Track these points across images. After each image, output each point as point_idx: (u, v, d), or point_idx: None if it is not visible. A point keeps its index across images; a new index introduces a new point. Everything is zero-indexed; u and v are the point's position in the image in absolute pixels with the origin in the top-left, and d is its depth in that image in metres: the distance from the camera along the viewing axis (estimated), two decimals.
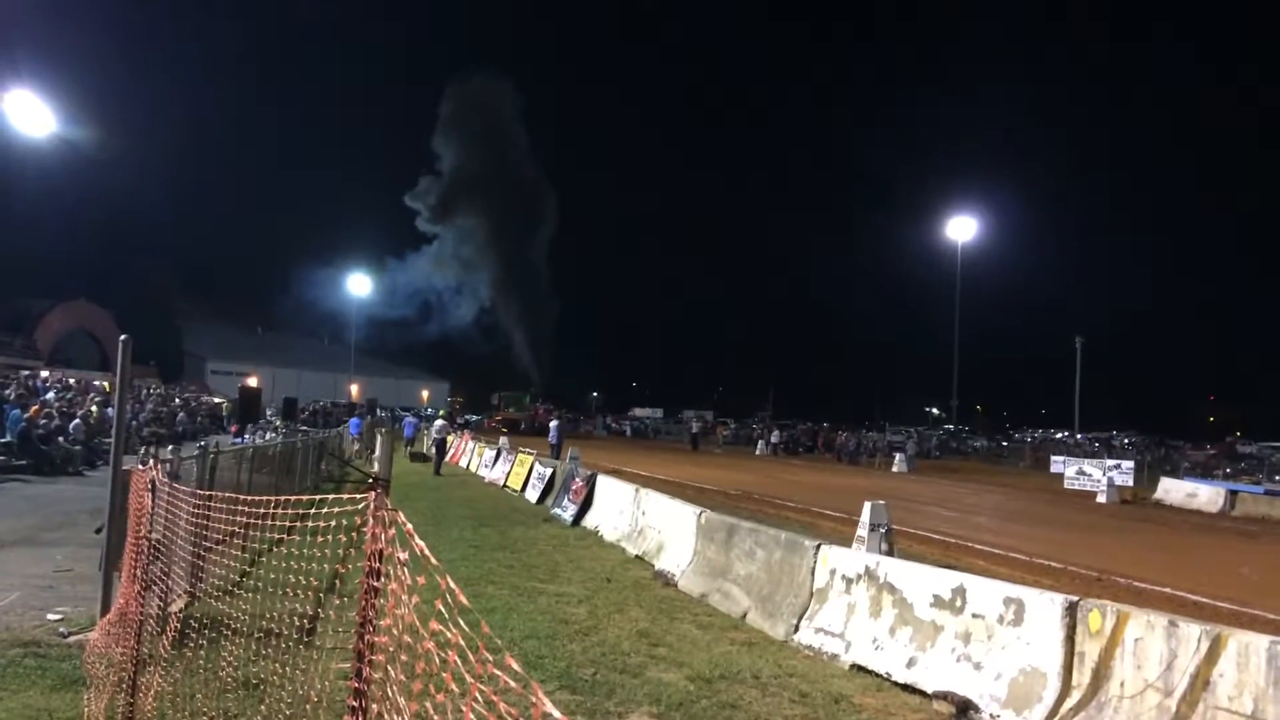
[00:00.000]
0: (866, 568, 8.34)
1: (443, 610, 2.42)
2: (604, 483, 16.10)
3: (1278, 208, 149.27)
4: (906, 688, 7.14)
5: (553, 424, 37.18)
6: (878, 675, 7.47)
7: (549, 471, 19.96)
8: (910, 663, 7.29)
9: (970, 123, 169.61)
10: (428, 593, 2.64)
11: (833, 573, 8.68)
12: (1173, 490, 32.64)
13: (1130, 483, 34.96)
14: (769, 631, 8.88)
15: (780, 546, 9.64)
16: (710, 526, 11.25)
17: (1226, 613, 11.31)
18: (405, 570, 2.71)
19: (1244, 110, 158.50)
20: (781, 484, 29.49)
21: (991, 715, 6.34)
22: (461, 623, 2.39)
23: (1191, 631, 5.50)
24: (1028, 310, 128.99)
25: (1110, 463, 38.07)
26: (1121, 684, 5.75)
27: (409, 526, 2.74)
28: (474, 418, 79.09)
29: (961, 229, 69.48)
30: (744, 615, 9.44)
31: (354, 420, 37.34)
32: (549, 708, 1.79)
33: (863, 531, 12.12)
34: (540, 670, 7.08)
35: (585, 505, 16.08)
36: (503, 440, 29.66)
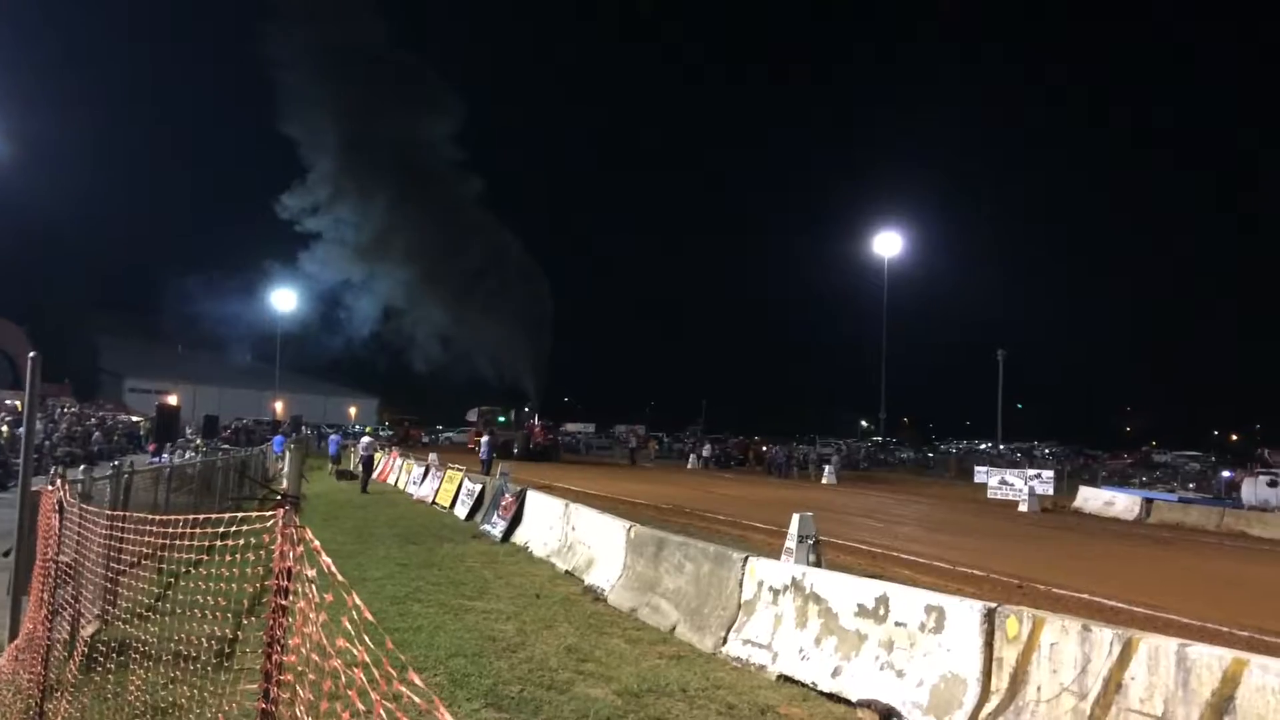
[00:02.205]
0: (793, 579, 8.41)
1: (349, 628, 2.38)
2: (534, 498, 16.01)
3: (1193, 226, 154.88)
4: (832, 696, 7.21)
5: (484, 440, 36.84)
6: (804, 685, 7.53)
7: (478, 488, 19.77)
8: (835, 672, 7.36)
9: (899, 141, 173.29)
10: (337, 611, 2.60)
11: (760, 585, 8.73)
12: (1091, 499, 33.54)
13: (1051, 492, 35.86)
14: (697, 644, 8.89)
15: (709, 560, 9.67)
16: (640, 541, 11.25)
17: (1140, 617, 11.64)
18: (313, 588, 2.66)
19: (1163, 128, 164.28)
20: (712, 497, 29.62)
21: None
22: (368, 640, 2.35)
23: (1104, 635, 5.65)
24: (954, 324, 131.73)
25: (1031, 472, 39.00)
26: (1038, 688, 5.88)
27: (316, 544, 2.69)
28: (387, 432, 77.27)
29: (888, 244, 70.76)
30: (673, 629, 9.44)
31: (278, 438, 36.61)
32: None
33: (791, 543, 12.20)
34: (466, 688, 7.00)
35: (515, 521, 15.96)
36: (432, 457, 29.29)
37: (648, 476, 41.93)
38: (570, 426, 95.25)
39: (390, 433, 76.71)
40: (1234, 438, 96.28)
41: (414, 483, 26.25)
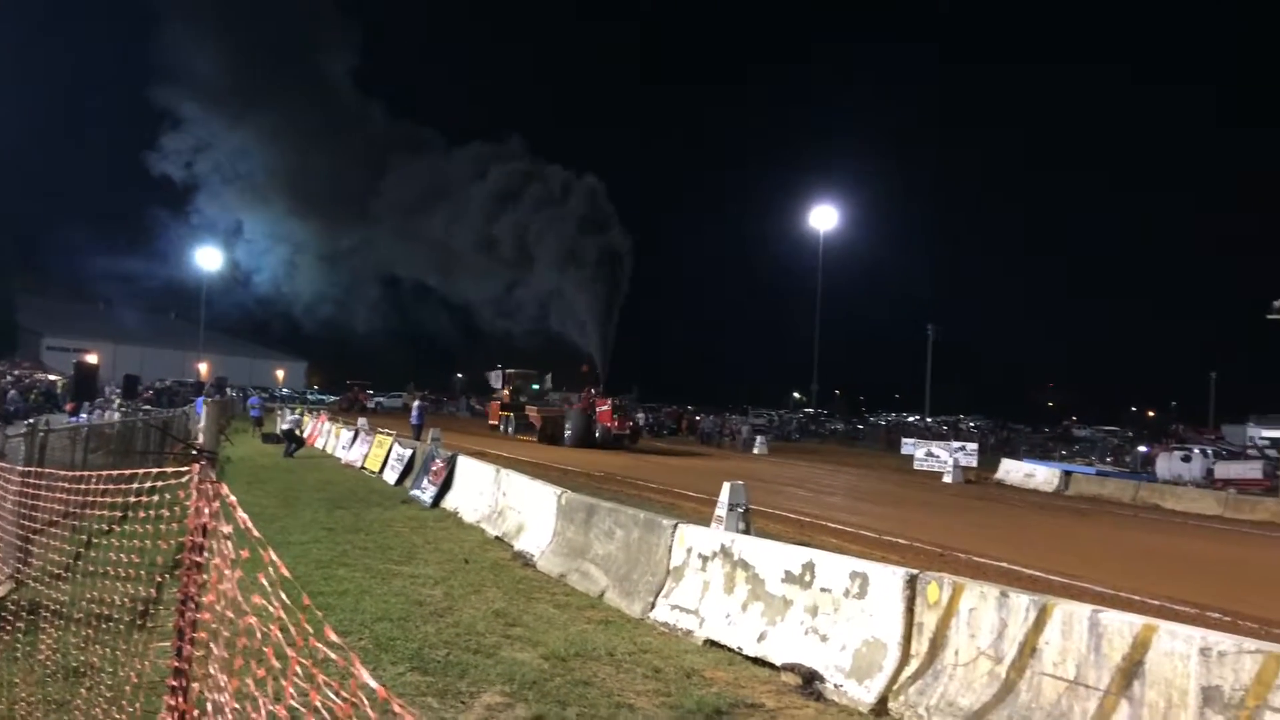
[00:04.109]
0: (722, 546, 8.47)
1: (265, 584, 2.31)
2: (465, 464, 15.89)
3: (1111, 206, 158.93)
4: (757, 661, 7.30)
5: (415, 404, 36.46)
6: (730, 650, 7.61)
7: (409, 453, 19.58)
8: (761, 637, 7.44)
9: (836, 115, 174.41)
10: (255, 569, 2.53)
11: (689, 551, 8.79)
12: (1012, 471, 34.43)
13: (974, 464, 36.75)
14: (626, 610, 8.93)
15: (639, 526, 9.71)
16: (570, 507, 11.24)
17: (1057, 585, 11.97)
18: (229, 544, 2.59)
19: (1093, 110, 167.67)
20: (645, 465, 29.74)
21: (835, 685, 6.53)
22: (284, 596, 2.29)
23: (1021, 601, 5.78)
24: (885, 299, 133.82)
25: (956, 445, 39.93)
26: (956, 652, 6.01)
27: (233, 499, 2.62)
28: (329, 398, 75.25)
29: (823, 218, 71.39)
30: (602, 594, 9.47)
31: (200, 400, 35.78)
32: (366, 678, 1.73)
33: (721, 511, 12.29)
34: (391, 652, 6.94)
35: (445, 487, 15.84)
36: (361, 421, 28.91)
37: (527, 435, 41.74)
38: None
39: (328, 397, 75.02)
40: (1151, 414, 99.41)
41: (343, 447, 25.91)
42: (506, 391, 46.30)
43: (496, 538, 12.67)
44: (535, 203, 50.62)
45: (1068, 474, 32.64)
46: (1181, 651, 4.85)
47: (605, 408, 38.09)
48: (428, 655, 6.95)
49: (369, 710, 1.86)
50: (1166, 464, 38.64)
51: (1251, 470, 36.82)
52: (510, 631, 7.88)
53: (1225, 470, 36.88)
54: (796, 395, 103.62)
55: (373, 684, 1.75)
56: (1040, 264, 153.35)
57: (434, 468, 16.58)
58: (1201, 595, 11.89)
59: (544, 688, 6.35)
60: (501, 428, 44.10)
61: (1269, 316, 30.33)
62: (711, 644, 7.81)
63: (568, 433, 37.86)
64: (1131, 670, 5.03)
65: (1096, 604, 5.75)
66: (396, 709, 1.71)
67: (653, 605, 8.74)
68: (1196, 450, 40.46)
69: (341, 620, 7.72)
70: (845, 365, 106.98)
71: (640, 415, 51.12)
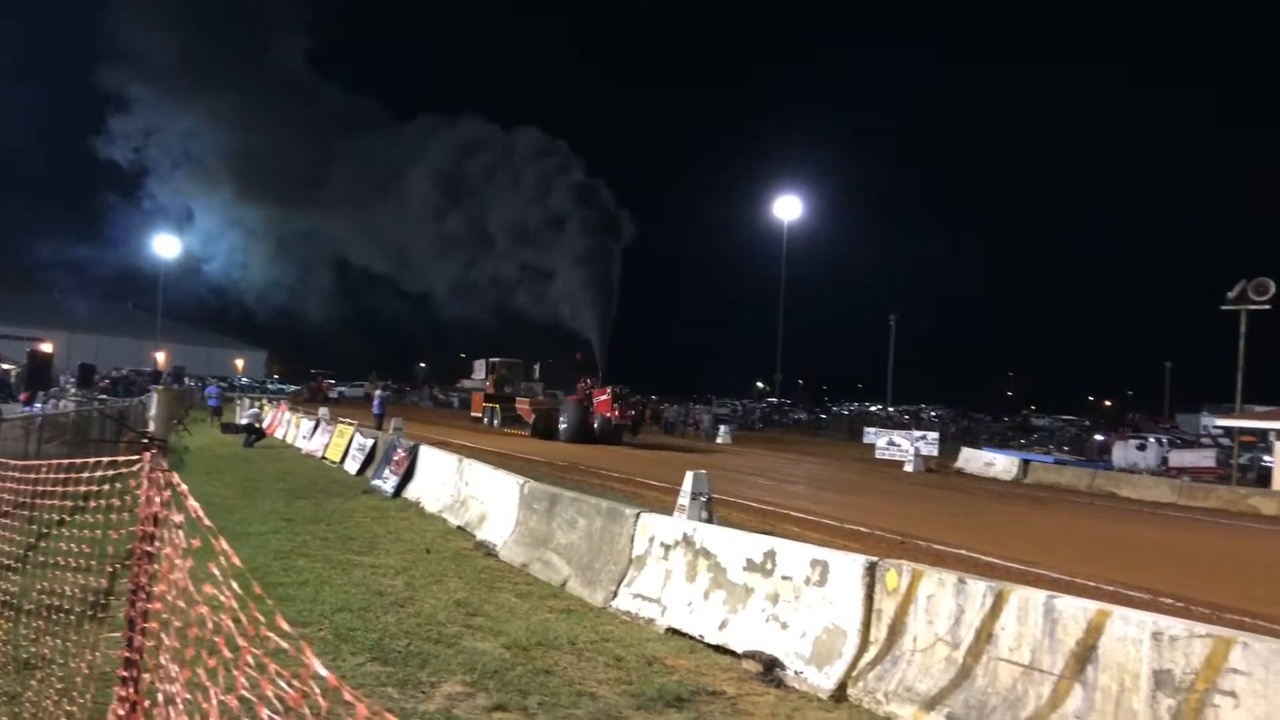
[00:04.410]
0: (684, 534, 8.49)
1: (217, 574, 2.28)
2: (427, 453, 15.80)
3: (1070, 199, 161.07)
4: (718, 649, 7.33)
5: (377, 394, 36.20)
6: (691, 638, 7.63)
7: (370, 442, 19.44)
8: (723, 624, 7.47)
9: (802, 107, 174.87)
10: (208, 558, 2.49)
11: (651, 540, 8.80)
12: (972, 459, 34.83)
13: (935, 453, 37.15)
14: (588, 599, 8.94)
15: (601, 515, 9.71)
16: (533, 496, 11.22)
17: (1015, 572, 12.11)
18: (180, 534, 2.55)
19: (1052, 106, 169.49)
20: (608, 455, 29.71)
21: (796, 672, 6.58)
22: (235, 586, 2.25)
23: (978, 588, 5.85)
24: (849, 289, 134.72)
25: (918, 434, 40.30)
26: (914, 638, 6.07)
27: (184, 488, 2.58)
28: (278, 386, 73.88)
29: (788, 208, 71.53)
30: (564, 583, 9.47)
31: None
32: (318, 667, 1.70)
33: (684, 500, 12.34)
34: (351, 642, 6.89)
35: (407, 476, 15.75)
36: (322, 410, 28.66)
37: (517, 429, 41.55)
38: (466, 383, 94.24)
39: (288, 387, 74.04)
40: (1108, 403, 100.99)
41: (303, 437, 25.67)
42: (491, 382, 43.95)
43: (459, 527, 12.62)
44: (508, 172, 47.57)
45: (1026, 462, 33.07)
46: (1134, 636, 4.93)
47: (604, 397, 35.08)
48: (388, 645, 6.91)
49: (320, 699, 1.84)
50: (1122, 452, 39.27)
51: (1205, 459, 37.52)
52: (472, 621, 7.86)
53: (1179, 458, 37.55)
54: (760, 385, 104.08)
55: (324, 673, 1.73)
56: (1000, 256, 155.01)
57: (396, 457, 16.47)
58: (1155, 581, 12.09)
59: (505, 677, 6.34)
60: (486, 420, 42.35)
61: (1223, 307, 30.83)
62: (673, 632, 7.84)
63: (562, 426, 35.32)
64: (1085, 655, 5.11)
65: (1052, 590, 5.83)
66: (348, 697, 1.70)
67: (615, 594, 8.74)
68: (1151, 439, 41.14)
69: (301, 611, 7.66)
70: (809, 355, 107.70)
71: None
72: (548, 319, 45.38)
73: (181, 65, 57.24)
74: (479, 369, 46.21)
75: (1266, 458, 32.54)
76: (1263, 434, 32.90)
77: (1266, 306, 30.07)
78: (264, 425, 29.19)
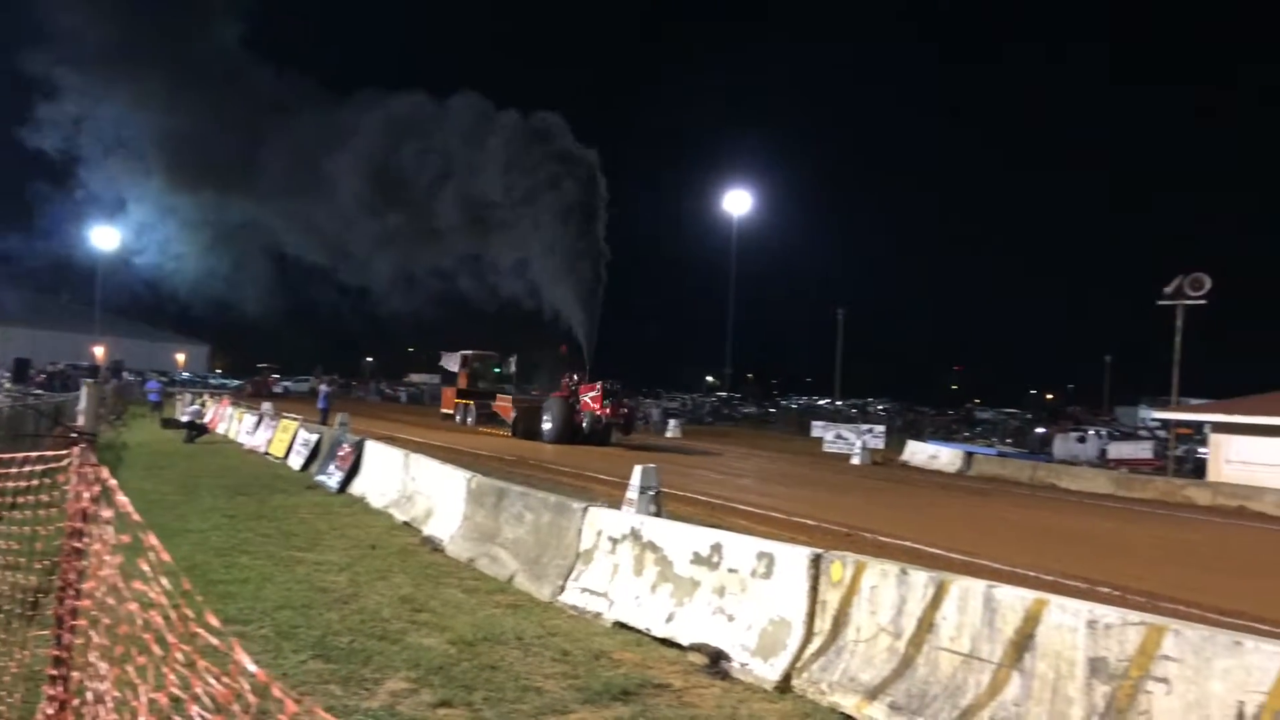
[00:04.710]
0: (632, 528, 8.49)
1: (147, 570, 2.23)
2: (373, 448, 15.64)
3: (1016, 194, 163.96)
4: (665, 642, 7.34)
5: (322, 388, 35.70)
6: (639, 631, 7.64)
7: (315, 438, 19.18)
8: (669, 618, 7.49)
9: (743, 100, 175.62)
10: (136, 553, 2.43)
11: (599, 534, 8.79)
12: (918, 452, 35.30)
13: (882, 446, 37.60)
14: (535, 593, 8.91)
15: (549, 509, 9.68)
16: (480, 491, 11.15)
17: (958, 562, 12.31)
18: (110, 529, 2.49)
19: (1000, 98, 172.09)
20: (557, 449, 29.65)
21: (742, 664, 6.61)
22: (165, 582, 2.21)
23: (920, 578, 5.92)
24: (798, 284, 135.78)
25: (864, 428, 40.78)
26: (858, 629, 6.13)
27: (113, 482, 2.51)
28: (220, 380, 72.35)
29: (737, 203, 71.79)
30: (511, 578, 9.42)
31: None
32: (247, 663, 1.67)
33: (632, 494, 12.33)
34: (293, 640, 6.79)
35: (352, 472, 15.57)
36: (265, 405, 28.21)
37: (493, 428, 41.32)
38: (414, 377, 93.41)
39: (231, 382, 72.69)
40: (1049, 397, 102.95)
41: (246, 432, 25.27)
42: (464, 376, 41.11)
43: (405, 523, 12.51)
44: (463, 150, 43.21)
45: (970, 455, 33.61)
46: (1070, 624, 5.02)
47: (593, 393, 32.45)
48: (331, 642, 6.83)
49: (250, 696, 1.81)
50: (1063, 445, 40.08)
51: (1142, 450, 38.43)
52: (417, 617, 7.79)
53: (1118, 450, 38.42)
54: (709, 379, 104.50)
55: (253, 669, 1.69)
56: (948, 252, 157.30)
57: (341, 453, 16.28)
58: (1093, 571, 12.36)
59: (450, 672, 6.29)
60: (459, 418, 40.04)
61: (1159, 302, 31.55)
62: (621, 626, 7.84)
63: (546, 425, 32.87)
64: (1023, 643, 5.20)
65: (993, 580, 5.91)
66: (277, 693, 1.66)
67: (562, 588, 8.72)
68: (1091, 431, 42.09)
69: (242, 609, 7.54)
70: (758, 349, 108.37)
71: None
72: (508, 307, 43.79)
73: (106, 46, 54.00)
74: (451, 362, 42.96)
75: (1201, 450, 33.38)
76: (1198, 426, 33.73)
77: (1202, 302, 30.85)
78: (206, 421, 28.68)
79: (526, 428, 33.56)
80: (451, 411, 41.10)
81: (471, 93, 46.80)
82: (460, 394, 40.94)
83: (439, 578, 9.46)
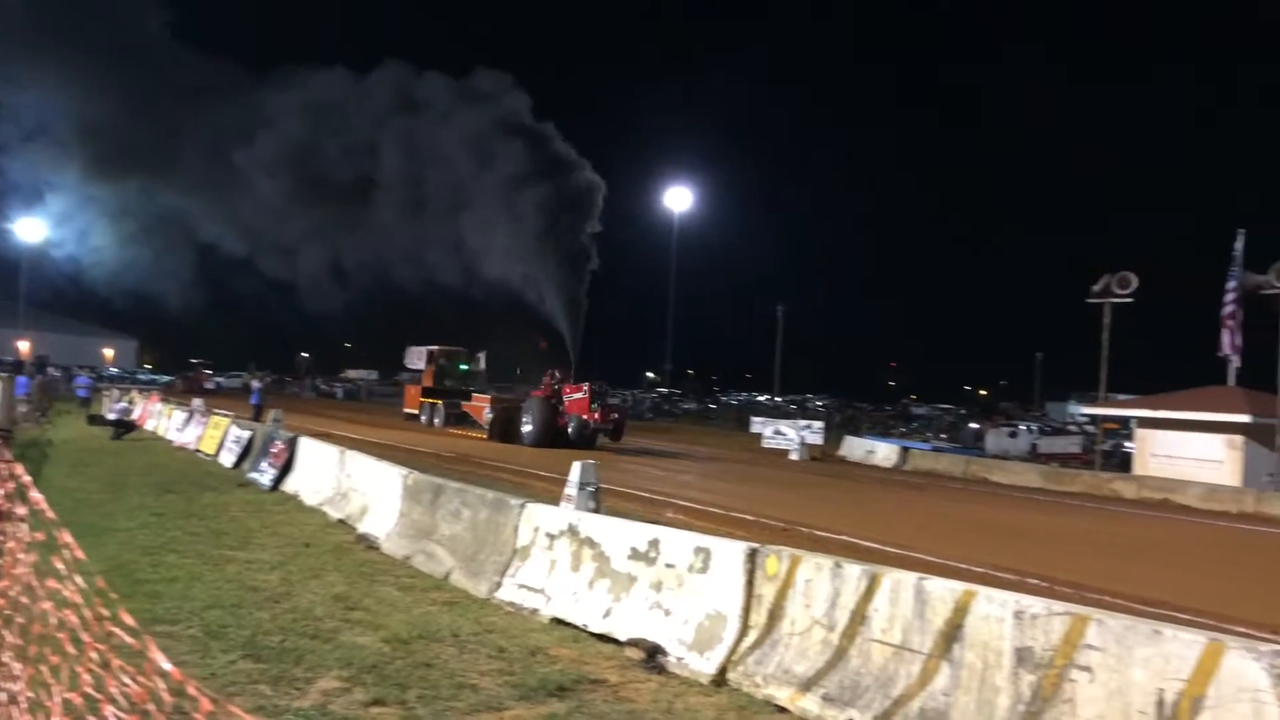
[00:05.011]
0: (569, 524, 8.47)
1: (61, 568, 2.17)
2: (307, 445, 15.39)
3: (953, 199, 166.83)
4: (602, 637, 7.34)
5: (255, 384, 35.00)
6: (576, 627, 7.63)
7: (247, 435, 18.82)
8: (607, 613, 7.49)
9: (683, 97, 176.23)
10: (51, 551, 2.36)
11: (536, 530, 8.75)
12: (855, 448, 35.74)
13: (820, 441, 37.98)
14: (472, 590, 8.84)
15: (486, 506, 9.61)
16: (417, 488, 11.04)
17: (893, 555, 12.48)
18: (24, 527, 2.41)
19: (948, 97, 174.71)
20: (496, 446, 29.46)
21: (678, 658, 6.64)
22: (80, 580, 2.15)
23: (853, 571, 6.00)
24: (738, 280, 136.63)
25: (803, 423, 41.15)
26: (793, 622, 6.19)
27: (27, 478, 2.44)
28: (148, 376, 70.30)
29: (678, 199, 71.85)
30: (447, 575, 9.35)
31: (21, 379, 33.51)
32: (163, 662, 1.63)
33: (571, 490, 12.31)
34: (222, 640, 6.66)
35: (286, 469, 15.30)
36: (196, 402, 27.62)
37: (428, 428, 40.68)
38: (351, 373, 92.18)
39: (160, 378, 70.92)
40: (983, 393, 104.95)
41: (175, 429, 24.71)
42: (429, 373, 38.39)
43: (340, 520, 12.34)
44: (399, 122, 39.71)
45: (905, 450, 34.10)
46: (997, 615, 5.12)
47: (579, 395, 29.71)
48: (261, 642, 6.71)
49: (165, 695, 1.76)
50: (995, 440, 40.87)
51: (1071, 445, 39.41)
52: (350, 615, 7.69)
53: (1048, 445, 39.33)
54: (650, 375, 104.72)
55: (168, 667, 1.65)
56: (885, 250, 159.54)
57: (274, 449, 16.01)
58: (1024, 563, 12.62)
59: (384, 671, 6.22)
60: (424, 418, 37.31)
61: (1088, 300, 32.30)
62: (558, 622, 7.82)
63: (526, 427, 30.22)
64: (953, 634, 5.29)
65: (925, 573, 6.01)
66: (192, 691, 1.63)
67: (499, 585, 8.67)
68: (1022, 426, 42.98)
69: (169, 608, 7.38)
70: (698, 346, 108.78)
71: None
72: (468, 298, 41.12)
73: (18, 25, 50.90)
74: (416, 358, 39.84)
75: (1128, 444, 34.28)
76: (1125, 421, 34.61)
77: (1129, 299, 31.65)
78: (134, 418, 28.00)
79: (503, 429, 31.15)
80: (416, 411, 38.44)
81: (397, 62, 44.16)
82: (426, 392, 38.44)
83: (374, 575, 9.36)
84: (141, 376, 77.90)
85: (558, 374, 31.79)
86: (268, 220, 47.69)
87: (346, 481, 13.17)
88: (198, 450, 21.00)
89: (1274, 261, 26.55)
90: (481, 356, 40.10)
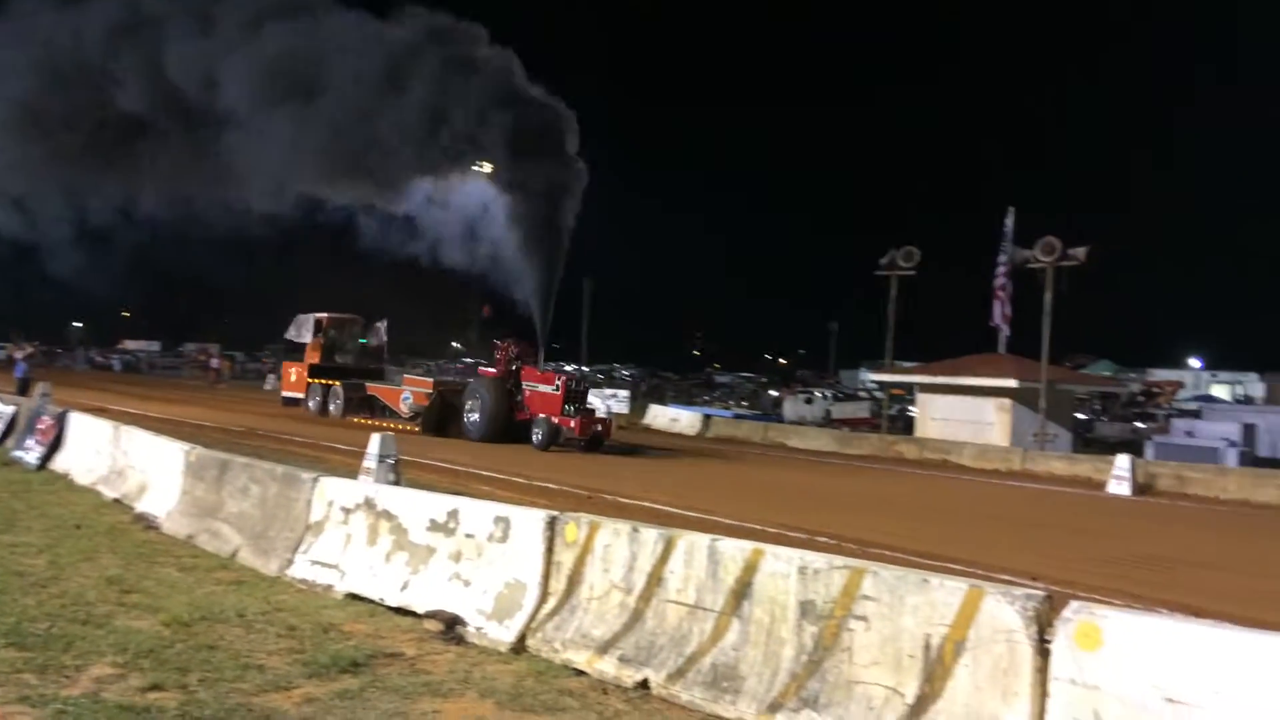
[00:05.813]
0: (366, 497, 8.24)
1: None
2: (78, 421, 14.29)
3: (753, 173, 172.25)
4: (400, 610, 7.19)
5: (18, 355, 32.12)
6: (372, 601, 7.44)
7: (10, 410, 17.29)
8: (404, 586, 7.34)
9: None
10: None
11: (330, 504, 8.46)
12: (659, 415, 36.49)
13: (626, 410, 38.56)
14: (261, 568, 8.48)
15: (277, 481, 9.22)
16: (200, 464, 10.46)
17: (694, 520, 12.83)
18: None
19: (750, 68, 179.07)
20: (292, 421, 28.27)
21: (477, 628, 6.59)
22: None
23: (650, 535, 6.11)
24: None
25: (609, 392, 41.63)
26: (591, 587, 6.25)
27: None
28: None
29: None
30: (234, 554, 8.92)
31: None
32: None
33: (370, 463, 11.98)
34: None
35: (54, 446, 14.17)
36: None
37: (221, 401, 38.28)
38: (130, 344, 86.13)
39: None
40: (783, 361, 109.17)
41: None
42: (314, 347, 29.93)
43: (115, 500, 11.55)
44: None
45: (708, 418, 35.12)
46: (783, 571, 5.33)
47: (548, 389, 22.90)
48: (26, 629, 6.21)
49: None
50: (792, 406, 42.65)
51: (861, 410, 41.58)
52: (126, 599, 7.22)
53: (841, 411, 41.35)
54: (456, 345, 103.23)
55: None
56: (690, 224, 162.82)
57: (41, 426, 14.79)
58: (815, 522, 13.26)
59: (162, 655, 5.87)
60: (313, 404, 29.06)
61: (876, 273, 34.04)
62: (353, 597, 7.61)
63: (471, 416, 23.67)
64: (743, 591, 5.48)
65: (722, 534, 6.19)
66: None
67: (290, 562, 8.35)
68: (817, 393, 44.98)
69: None
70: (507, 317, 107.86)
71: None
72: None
73: None
74: (301, 329, 30.51)
75: (911, 408, 36.49)
76: (909, 387, 36.79)
77: (913, 272, 33.58)
78: None
79: (439, 419, 24.42)
80: (299, 395, 29.82)
81: None
82: (314, 371, 29.64)
83: (153, 556, 8.82)
84: None
85: (514, 349, 24.58)
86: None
87: (123, 459, 12.32)
88: None
89: (1039, 238, 28.69)
90: (381, 326, 32.45)
